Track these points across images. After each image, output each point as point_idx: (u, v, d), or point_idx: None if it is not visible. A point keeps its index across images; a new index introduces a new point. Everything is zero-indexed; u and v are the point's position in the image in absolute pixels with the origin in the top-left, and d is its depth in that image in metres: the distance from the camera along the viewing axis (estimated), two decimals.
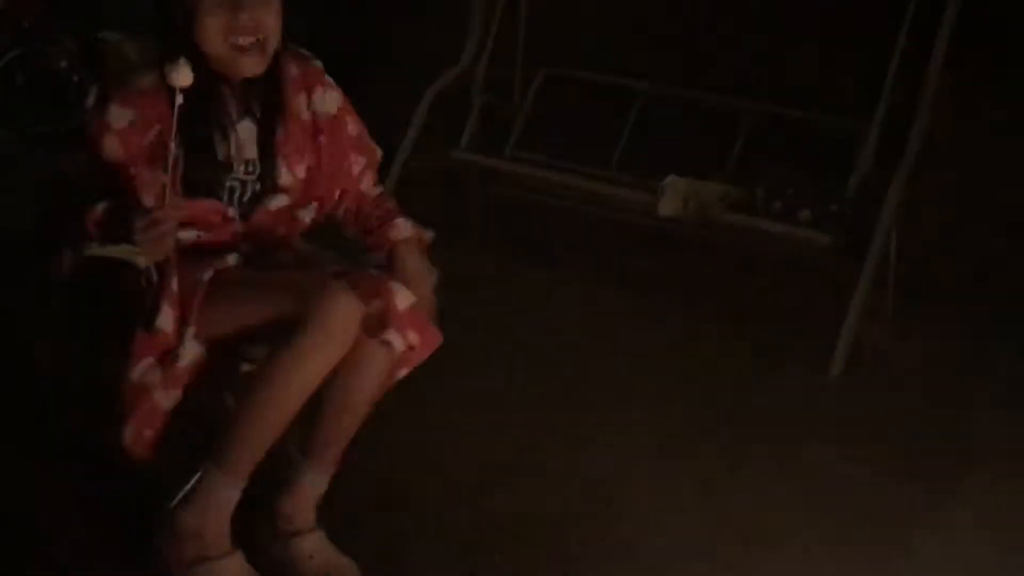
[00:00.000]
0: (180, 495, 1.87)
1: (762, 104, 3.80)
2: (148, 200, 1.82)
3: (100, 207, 1.84)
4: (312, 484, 1.97)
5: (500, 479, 2.45)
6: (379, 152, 2.20)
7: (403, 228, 2.08)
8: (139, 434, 1.85)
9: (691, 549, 2.26)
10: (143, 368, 1.83)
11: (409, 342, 1.92)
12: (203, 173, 1.92)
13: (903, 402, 3.07)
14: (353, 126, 2.13)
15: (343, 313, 1.83)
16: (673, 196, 3.46)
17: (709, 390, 3.07)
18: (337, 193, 2.10)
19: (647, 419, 2.85)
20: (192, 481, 1.87)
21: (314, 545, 1.96)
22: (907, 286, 3.49)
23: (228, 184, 1.97)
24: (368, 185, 2.17)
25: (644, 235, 3.76)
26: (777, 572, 2.22)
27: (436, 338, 2.00)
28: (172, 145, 1.80)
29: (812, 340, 3.30)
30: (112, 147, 1.88)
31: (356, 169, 2.13)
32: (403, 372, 2.01)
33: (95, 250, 1.85)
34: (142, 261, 1.83)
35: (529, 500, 2.38)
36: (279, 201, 2.01)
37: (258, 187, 1.99)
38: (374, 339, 1.89)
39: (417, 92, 4.03)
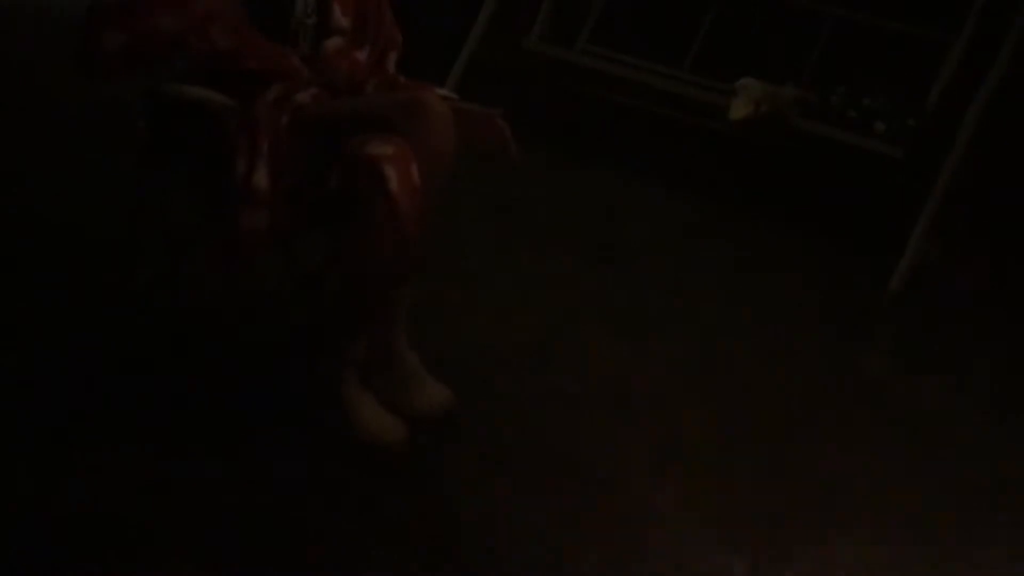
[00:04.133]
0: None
1: (844, 9, 3.67)
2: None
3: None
4: (340, 349, 1.99)
5: (542, 356, 2.43)
6: (400, 37, 2.20)
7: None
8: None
9: (739, 446, 2.26)
10: (254, 215, 1.83)
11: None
12: (273, 11, 1.94)
13: (955, 327, 3.04)
14: None
15: (439, 109, 1.84)
16: (746, 99, 3.38)
17: (765, 298, 3.03)
18: (383, 43, 2.12)
19: (699, 319, 2.83)
20: None
21: (366, 411, 1.99)
22: (979, 208, 3.40)
23: (292, 27, 1.99)
24: (392, 66, 2.17)
25: (710, 139, 3.69)
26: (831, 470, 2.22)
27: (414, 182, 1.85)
28: None
29: (875, 254, 3.24)
30: None
31: (397, 35, 2.16)
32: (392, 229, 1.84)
33: (175, 89, 1.86)
34: (219, 101, 1.83)
35: (573, 379, 2.36)
36: (335, 42, 2.04)
37: (316, 29, 2.01)
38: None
39: None
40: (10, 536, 1.57)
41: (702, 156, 3.65)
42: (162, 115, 1.95)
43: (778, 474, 2.12)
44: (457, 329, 2.48)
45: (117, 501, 1.69)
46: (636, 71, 3.84)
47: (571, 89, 4.02)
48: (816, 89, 3.49)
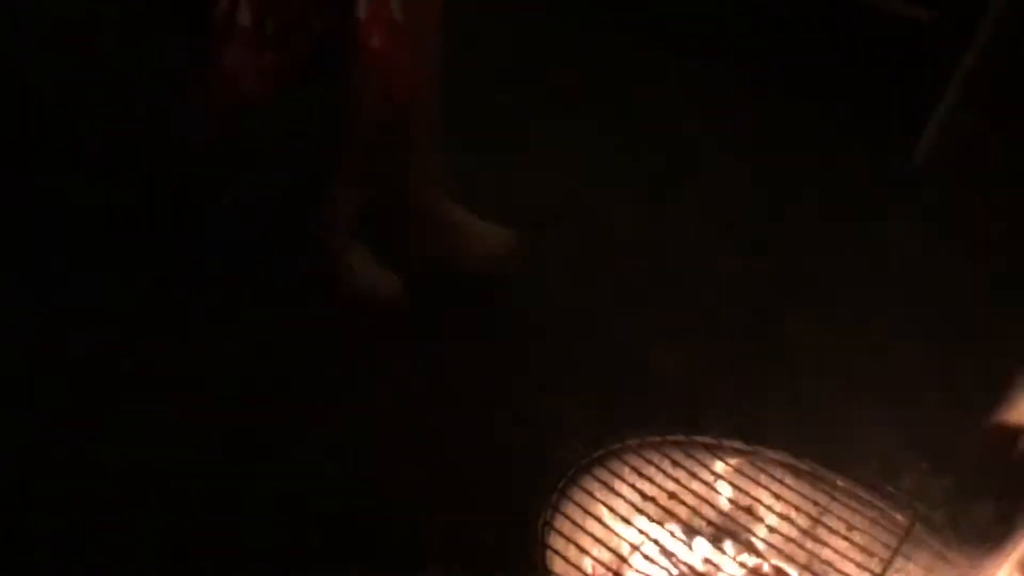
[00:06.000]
0: None
1: None
2: None
3: None
4: (341, 196, 1.94)
5: (569, 218, 2.42)
6: None
7: None
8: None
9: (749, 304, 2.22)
10: (237, 54, 1.76)
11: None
12: None
13: (983, 197, 2.89)
14: None
15: None
16: None
17: (785, 165, 2.92)
18: None
19: (716, 185, 2.74)
20: None
21: (355, 259, 1.95)
22: (1012, 75, 3.22)
23: None
24: None
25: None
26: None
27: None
28: None
29: (900, 123, 3.10)
30: None
31: None
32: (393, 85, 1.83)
33: None
34: None
35: (600, 241, 2.37)
36: None
37: None
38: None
39: None
40: None
41: (718, 18, 3.46)
42: None
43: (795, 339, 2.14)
44: (480, 192, 2.40)
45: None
46: None
47: None
48: None
